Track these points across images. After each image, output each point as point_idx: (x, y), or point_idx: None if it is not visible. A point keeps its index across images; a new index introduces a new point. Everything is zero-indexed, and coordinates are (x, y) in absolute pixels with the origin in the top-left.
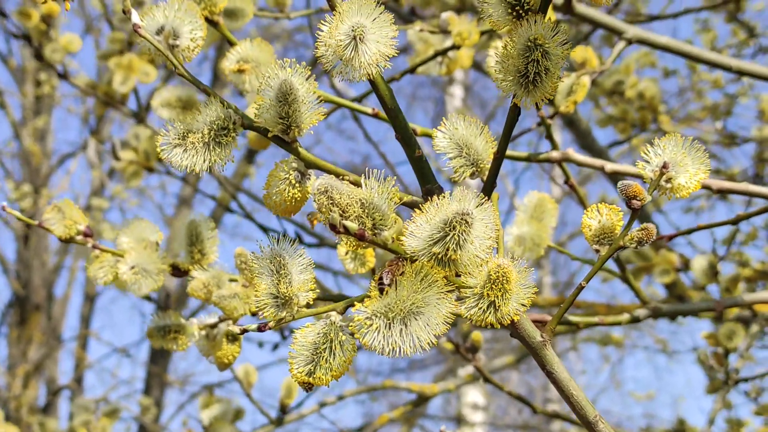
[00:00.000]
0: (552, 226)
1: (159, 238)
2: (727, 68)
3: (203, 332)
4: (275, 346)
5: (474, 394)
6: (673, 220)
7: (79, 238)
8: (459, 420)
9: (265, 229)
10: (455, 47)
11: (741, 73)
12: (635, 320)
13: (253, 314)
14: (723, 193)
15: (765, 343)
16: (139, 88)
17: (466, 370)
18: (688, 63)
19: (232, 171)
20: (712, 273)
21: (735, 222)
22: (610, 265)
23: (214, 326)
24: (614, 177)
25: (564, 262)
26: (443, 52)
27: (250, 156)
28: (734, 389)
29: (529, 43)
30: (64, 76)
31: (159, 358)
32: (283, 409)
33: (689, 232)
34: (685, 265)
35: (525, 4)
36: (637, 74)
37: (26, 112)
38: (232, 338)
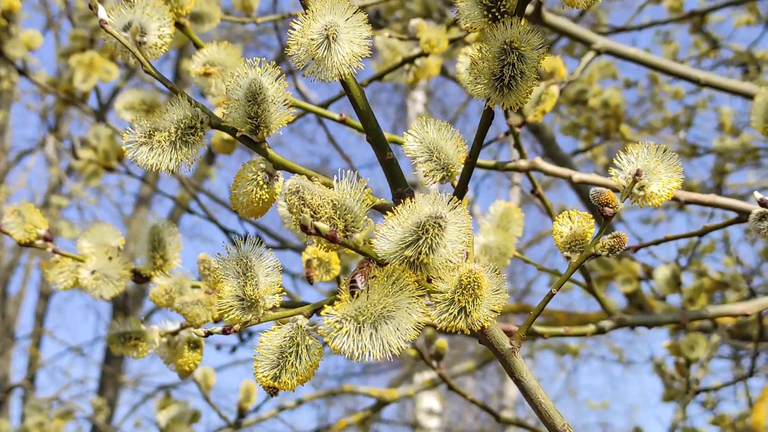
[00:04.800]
0: (518, 235)
1: (120, 242)
2: (695, 81)
3: (164, 339)
4: (233, 349)
5: (429, 400)
6: (633, 229)
7: (39, 242)
8: (414, 425)
9: (225, 231)
10: (423, 54)
11: (710, 85)
12: (601, 331)
13: (216, 321)
14: (690, 204)
15: (720, 354)
16: (100, 87)
17: (424, 376)
18: (650, 74)
19: (192, 171)
20: (676, 283)
21: (702, 234)
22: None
23: (175, 333)
24: (580, 187)
25: (522, 270)
26: (411, 60)
27: (210, 157)
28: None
29: (504, 46)
30: (23, 72)
31: (113, 358)
32: (242, 413)
33: (657, 243)
34: (648, 275)
35: (501, 7)
36: (598, 85)
37: None
38: (194, 345)
